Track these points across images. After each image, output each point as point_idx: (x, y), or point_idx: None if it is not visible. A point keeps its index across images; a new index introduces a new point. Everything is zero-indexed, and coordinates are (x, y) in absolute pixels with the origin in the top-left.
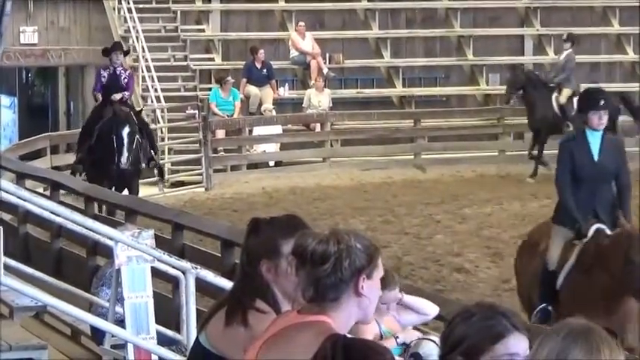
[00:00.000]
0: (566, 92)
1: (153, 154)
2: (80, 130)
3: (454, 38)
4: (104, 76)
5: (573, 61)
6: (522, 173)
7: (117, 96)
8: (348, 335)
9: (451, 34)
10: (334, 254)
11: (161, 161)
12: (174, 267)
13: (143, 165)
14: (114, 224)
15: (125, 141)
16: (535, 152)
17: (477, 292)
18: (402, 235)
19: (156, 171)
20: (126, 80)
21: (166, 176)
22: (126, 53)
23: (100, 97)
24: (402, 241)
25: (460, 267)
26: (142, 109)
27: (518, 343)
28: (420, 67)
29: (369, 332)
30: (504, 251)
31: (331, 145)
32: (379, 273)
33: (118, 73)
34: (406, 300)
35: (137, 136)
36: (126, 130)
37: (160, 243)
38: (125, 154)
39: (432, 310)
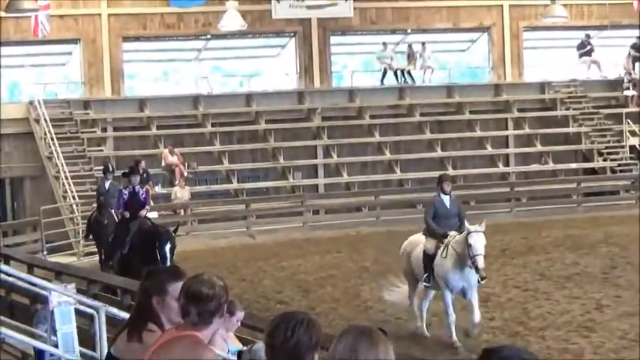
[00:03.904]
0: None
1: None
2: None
3: (270, 150)
4: (125, 194)
5: (115, 192)
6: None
7: (142, 212)
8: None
9: (268, 146)
10: (219, 296)
11: None
12: (90, 306)
13: None
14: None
15: (168, 256)
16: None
17: None
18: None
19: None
20: (144, 196)
21: None
22: (140, 175)
23: (126, 214)
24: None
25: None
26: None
27: None
28: (248, 169)
29: (220, 348)
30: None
31: (191, 224)
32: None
33: (136, 190)
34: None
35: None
36: (168, 246)
37: (79, 292)
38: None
39: None
